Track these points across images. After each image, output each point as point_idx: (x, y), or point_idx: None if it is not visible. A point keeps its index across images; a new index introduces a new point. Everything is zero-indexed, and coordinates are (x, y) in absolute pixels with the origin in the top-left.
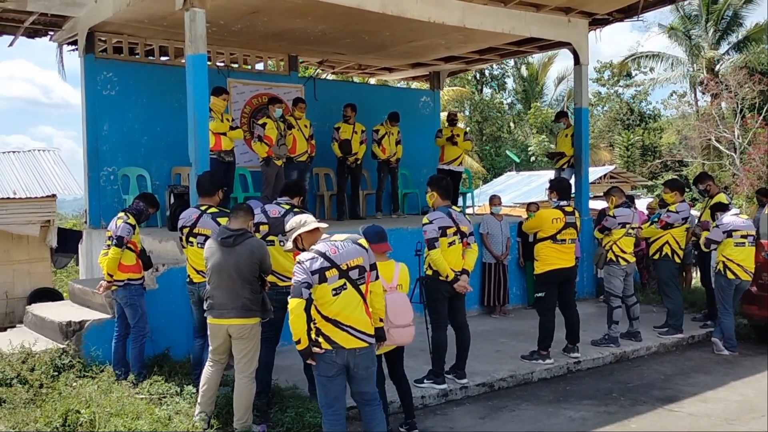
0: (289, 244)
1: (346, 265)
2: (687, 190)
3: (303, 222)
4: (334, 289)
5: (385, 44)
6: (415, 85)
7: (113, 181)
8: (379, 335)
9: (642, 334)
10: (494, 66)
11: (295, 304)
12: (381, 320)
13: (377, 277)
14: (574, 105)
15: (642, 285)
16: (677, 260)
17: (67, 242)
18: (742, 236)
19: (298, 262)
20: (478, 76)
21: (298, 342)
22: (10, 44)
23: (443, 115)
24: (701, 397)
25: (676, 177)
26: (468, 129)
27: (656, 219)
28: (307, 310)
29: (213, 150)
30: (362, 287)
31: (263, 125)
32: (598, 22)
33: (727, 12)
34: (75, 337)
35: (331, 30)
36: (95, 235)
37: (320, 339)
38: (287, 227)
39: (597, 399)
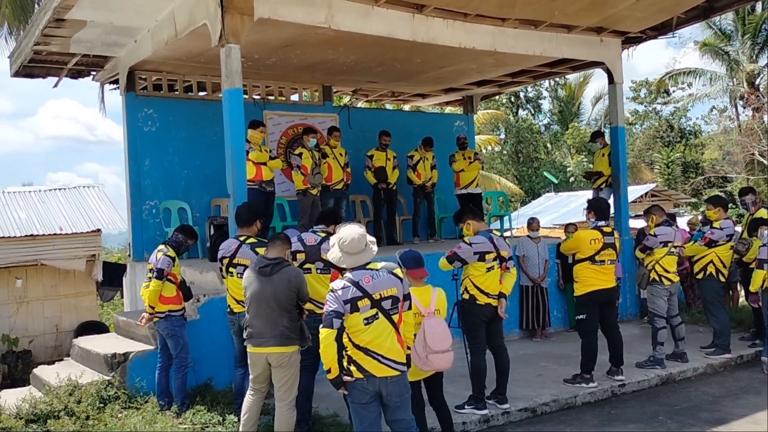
0: (330, 256)
1: (379, 295)
2: (733, 206)
3: (349, 252)
4: (365, 319)
5: (416, 71)
6: (448, 110)
7: (155, 215)
8: (407, 363)
9: (688, 355)
10: (529, 88)
11: (325, 335)
12: (408, 348)
13: (410, 307)
14: (609, 124)
15: (687, 305)
16: (722, 279)
17: (113, 275)
18: None
19: (331, 290)
20: (513, 98)
21: (329, 371)
22: (55, 85)
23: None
24: (751, 419)
25: (719, 193)
26: (497, 150)
27: (700, 237)
28: (338, 339)
29: (254, 180)
30: (395, 317)
31: (299, 155)
32: (631, 40)
33: (764, 25)
34: (120, 368)
35: (363, 59)
36: (139, 268)
37: (352, 367)
38: (337, 237)
39: (643, 423)
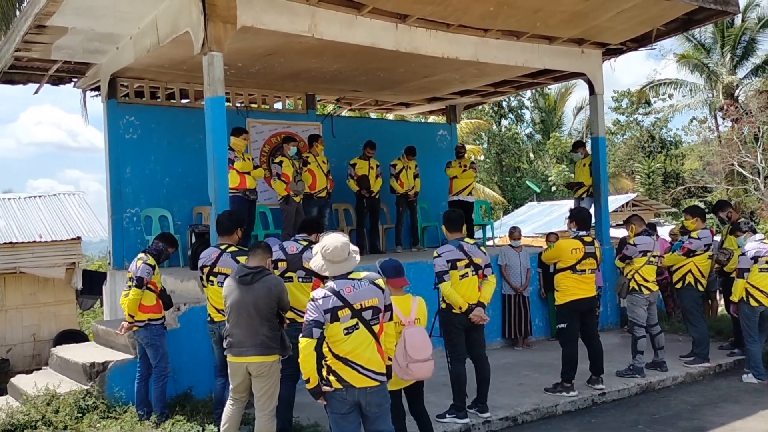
0: (313, 264)
1: (360, 305)
2: (713, 215)
3: (332, 260)
4: (345, 329)
5: (400, 80)
6: (431, 119)
7: (136, 223)
8: (388, 374)
9: (668, 364)
10: (511, 98)
11: (304, 344)
12: (390, 359)
13: (391, 318)
14: (590, 134)
15: (667, 314)
16: (701, 288)
17: (92, 284)
18: (766, 262)
19: (311, 300)
20: (495, 108)
21: (308, 381)
22: (36, 92)
23: None
24: (729, 427)
25: (696, 204)
26: (481, 159)
27: (679, 246)
28: (318, 348)
29: (238, 188)
30: (375, 327)
31: (280, 163)
32: (611, 51)
33: (743, 37)
34: (99, 378)
35: (346, 68)
36: (119, 276)
37: (331, 377)
38: (320, 245)
39: (623, 431)
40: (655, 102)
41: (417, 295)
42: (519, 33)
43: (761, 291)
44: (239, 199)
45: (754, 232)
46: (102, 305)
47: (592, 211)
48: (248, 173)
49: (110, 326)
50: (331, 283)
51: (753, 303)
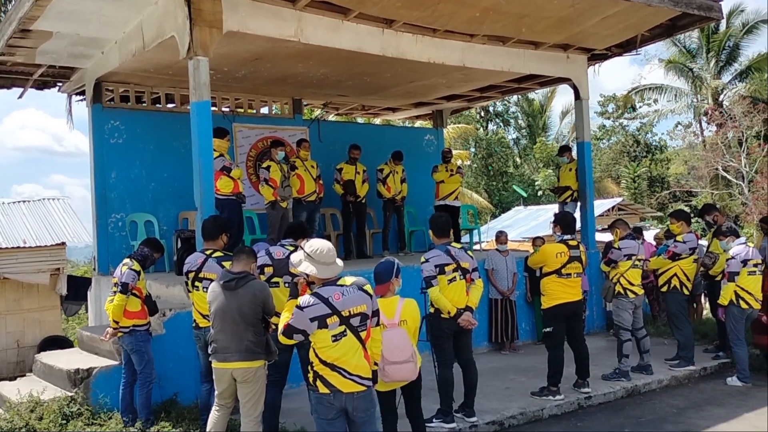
0: (303, 269)
1: (348, 312)
2: (698, 219)
3: (325, 262)
4: (333, 336)
5: (386, 85)
6: (418, 123)
7: (121, 228)
8: (374, 379)
9: (653, 367)
10: (497, 102)
11: (284, 339)
12: (376, 364)
13: (378, 323)
14: (576, 139)
15: (653, 317)
16: (686, 292)
17: (77, 289)
18: (754, 265)
19: (298, 307)
20: (483, 113)
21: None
22: (20, 96)
23: None
24: (714, 430)
25: (681, 208)
26: (468, 164)
27: (664, 250)
28: (299, 346)
29: (233, 192)
30: (363, 334)
31: (267, 168)
32: (596, 57)
33: (727, 43)
34: (83, 384)
35: (333, 73)
36: (104, 282)
37: (318, 382)
38: (309, 249)
39: None
40: (640, 107)
41: (409, 297)
42: (505, 38)
43: (750, 293)
44: (233, 203)
45: (737, 235)
46: (87, 311)
47: (577, 215)
48: (239, 178)
49: (95, 332)
50: (319, 290)
51: (743, 305)
